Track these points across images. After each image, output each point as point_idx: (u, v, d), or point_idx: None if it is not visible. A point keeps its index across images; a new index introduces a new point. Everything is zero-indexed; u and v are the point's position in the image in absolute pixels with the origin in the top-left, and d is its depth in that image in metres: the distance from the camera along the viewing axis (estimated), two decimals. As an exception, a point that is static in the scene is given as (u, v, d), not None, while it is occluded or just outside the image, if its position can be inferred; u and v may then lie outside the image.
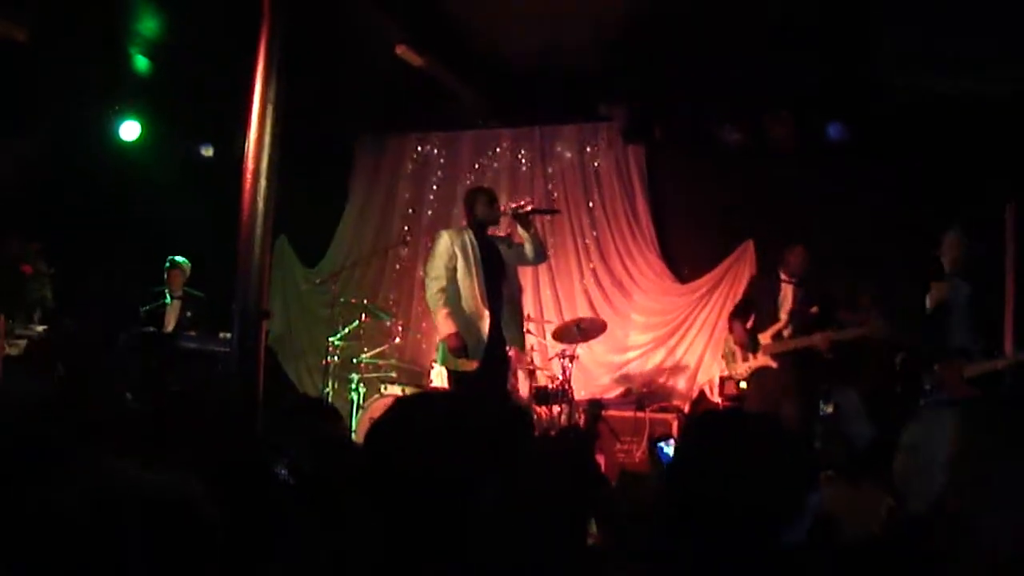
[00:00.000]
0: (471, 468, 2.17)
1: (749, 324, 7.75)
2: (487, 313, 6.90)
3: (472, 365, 6.84)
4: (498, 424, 2.49)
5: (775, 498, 2.33)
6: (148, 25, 8.71)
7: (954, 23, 7.02)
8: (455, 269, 6.93)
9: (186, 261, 9.16)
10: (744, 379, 7.84)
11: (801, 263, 7.62)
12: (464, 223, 7.26)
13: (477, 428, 2.26)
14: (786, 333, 7.56)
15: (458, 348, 6.79)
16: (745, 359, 7.72)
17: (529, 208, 7.14)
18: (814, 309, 7.49)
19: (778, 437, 2.39)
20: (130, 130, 10.08)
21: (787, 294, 7.63)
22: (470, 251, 6.97)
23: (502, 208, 7.26)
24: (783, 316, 7.60)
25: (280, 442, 3.33)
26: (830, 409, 7.84)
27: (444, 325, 6.85)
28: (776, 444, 2.44)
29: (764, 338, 7.60)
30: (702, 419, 2.83)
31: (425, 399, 2.45)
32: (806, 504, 2.25)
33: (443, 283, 6.92)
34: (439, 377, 8.46)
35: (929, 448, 2.35)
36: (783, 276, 7.67)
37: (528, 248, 7.14)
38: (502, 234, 7.54)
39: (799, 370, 7.46)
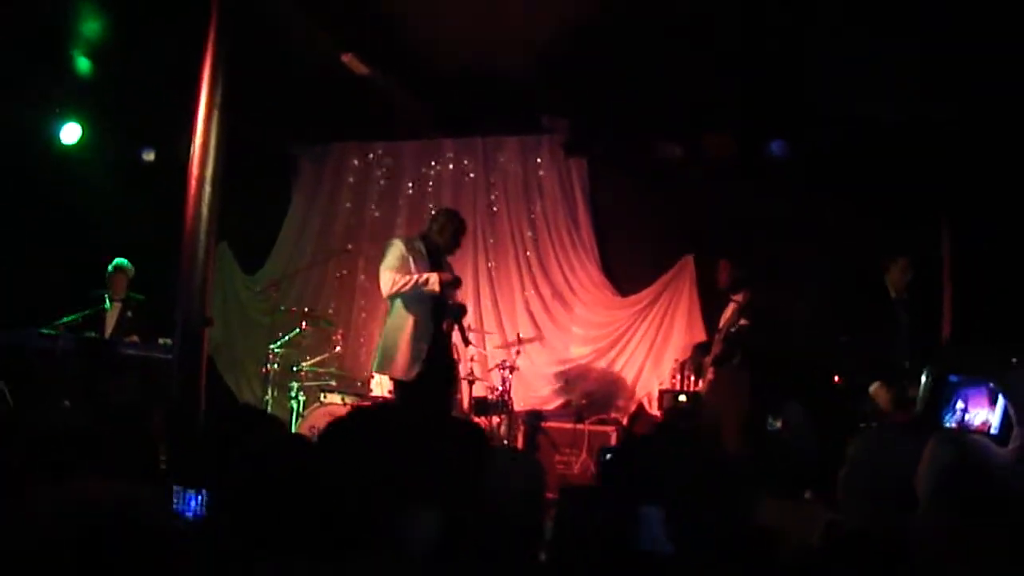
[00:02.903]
0: (421, 488, 2.18)
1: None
2: (433, 326, 7.03)
3: (411, 374, 6.95)
4: (454, 444, 2.51)
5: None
6: (91, 26, 8.59)
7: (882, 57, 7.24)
8: (409, 270, 7.08)
9: (130, 265, 8.96)
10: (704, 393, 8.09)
11: (724, 277, 7.86)
12: (416, 231, 7.41)
13: (431, 447, 2.27)
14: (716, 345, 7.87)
15: (451, 279, 7.21)
16: (706, 374, 8.01)
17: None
18: (743, 321, 7.65)
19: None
20: (71, 133, 9.90)
21: (727, 310, 7.82)
22: (421, 259, 7.15)
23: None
24: (717, 334, 7.83)
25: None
26: (779, 424, 7.97)
27: (431, 282, 7.07)
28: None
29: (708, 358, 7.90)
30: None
31: (381, 412, 2.46)
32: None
33: (401, 273, 7.05)
34: (379, 387, 8.44)
35: (873, 466, 2.42)
36: (729, 294, 7.89)
37: None
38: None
39: (736, 386, 7.65)
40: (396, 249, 7.18)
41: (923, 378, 5.96)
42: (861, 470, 2.53)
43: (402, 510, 2.10)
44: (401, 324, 7.15)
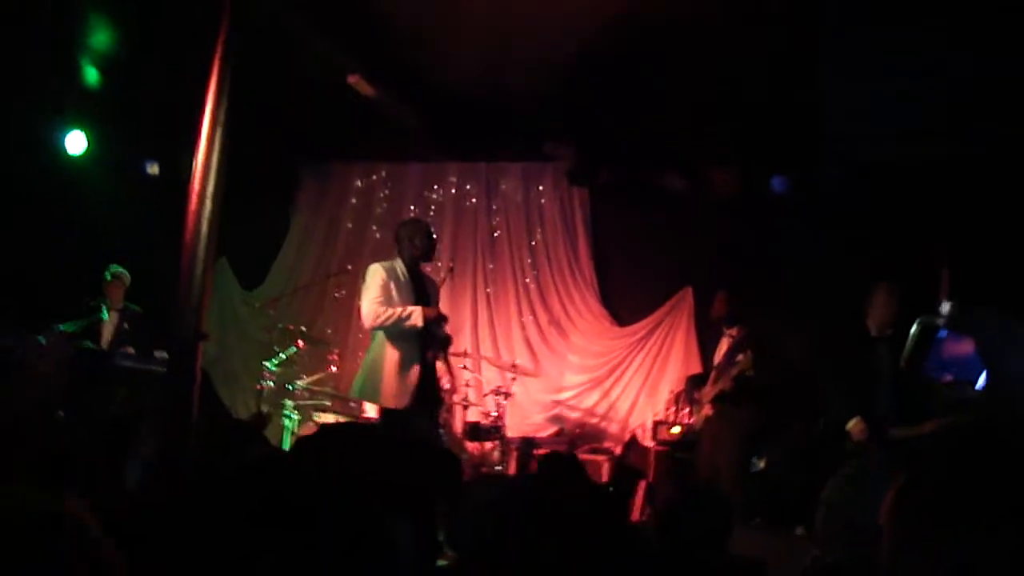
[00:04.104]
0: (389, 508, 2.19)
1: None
2: (419, 356, 6.89)
3: (400, 403, 6.82)
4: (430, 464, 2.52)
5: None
6: (100, 38, 8.64)
7: (892, 95, 7.22)
8: (391, 299, 6.89)
9: (126, 272, 8.97)
10: (699, 427, 8.03)
11: (720, 308, 7.77)
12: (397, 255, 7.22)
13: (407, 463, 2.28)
14: (715, 381, 7.77)
15: (435, 315, 6.91)
16: (702, 408, 7.90)
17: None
18: (740, 357, 7.60)
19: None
20: (77, 142, 9.95)
21: (722, 344, 7.78)
22: (403, 284, 6.97)
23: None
24: (713, 367, 7.78)
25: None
26: (762, 464, 7.92)
27: (414, 317, 6.79)
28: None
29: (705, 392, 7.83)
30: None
31: (356, 432, 2.47)
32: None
33: (385, 304, 6.85)
34: (373, 408, 8.42)
35: (850, 504, 2.43)
36: (722, 327, 7.84)
37: None
38: (432, 271, 7.59)
39: (728, 422, 7.59)
40: (377, 276, 6.90)
41: (913, 328, 5.89)
42: (835, 513, 2.55)
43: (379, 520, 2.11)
44: (385, 355, 6.88)
